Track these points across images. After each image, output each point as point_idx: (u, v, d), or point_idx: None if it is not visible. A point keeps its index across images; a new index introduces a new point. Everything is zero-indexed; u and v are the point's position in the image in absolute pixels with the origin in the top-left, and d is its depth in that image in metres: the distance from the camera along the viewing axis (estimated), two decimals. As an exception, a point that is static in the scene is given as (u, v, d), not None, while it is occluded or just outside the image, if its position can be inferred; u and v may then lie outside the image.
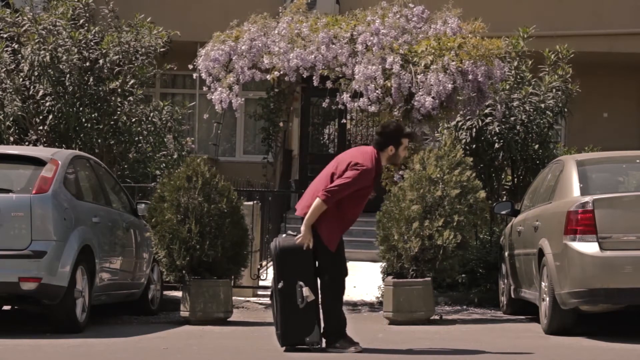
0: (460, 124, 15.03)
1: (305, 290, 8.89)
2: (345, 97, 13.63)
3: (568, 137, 22.12)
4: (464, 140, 14.86)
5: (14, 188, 10.41)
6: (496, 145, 14.99)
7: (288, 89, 20.86)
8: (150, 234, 12.06)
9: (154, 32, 15.71)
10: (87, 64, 15.24)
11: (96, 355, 9.00)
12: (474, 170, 12.47)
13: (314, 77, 13.73)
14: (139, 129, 15.67)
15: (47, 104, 15.08)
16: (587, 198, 10.08)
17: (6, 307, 11.89)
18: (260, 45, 13.92)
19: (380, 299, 13.09)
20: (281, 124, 21.31)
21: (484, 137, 15.00)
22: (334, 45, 13.69)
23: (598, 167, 11.12)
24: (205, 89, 14.29)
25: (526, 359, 8.90)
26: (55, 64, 14.93)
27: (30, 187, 10.35)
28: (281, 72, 13.86)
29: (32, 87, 15.15)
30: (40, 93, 15.06)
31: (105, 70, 15.31)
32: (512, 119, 15.01)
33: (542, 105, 15.22)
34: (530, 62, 15.48)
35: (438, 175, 12.12)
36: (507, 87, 15.11)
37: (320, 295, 9.00)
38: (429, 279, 11.90)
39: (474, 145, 14.96)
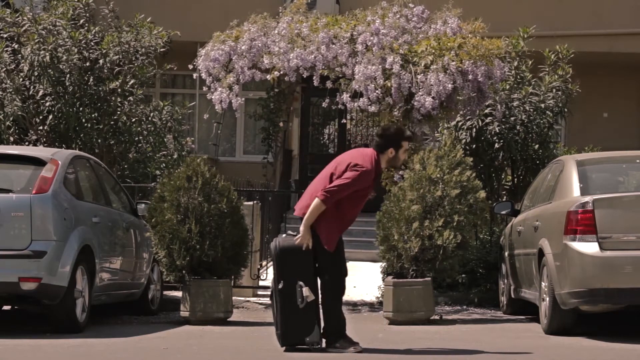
0: (460, 124, 15.02)
1: (305, 290, 8.89)
2: (345, 97, 13.62)
3: (568, 137, 22.11)
4: (464, 140, 14.85)
5: (14, 188, 10.40)
6: (496, 145, 14.99)
7: (288, 89, 20.84)
8: (150, 234, 12.06)
9: (154, 32, 15.70)
10: (87, 64, 15.23)
11: (96, 355, 9.00)
12: (474, 170, 12.46)
13: (314, 77, 13.72)
14: (139, 129, 15.66)
15: (47, 104, 15.08)
16: (587, 198, 10.08)
17: (6, 307, 11.88)
18: (260, 45, 13.92)
19: (380, 299, 13.08)
20: (281, 124, 21.29)
21: (484, 137, 14.99)
22: (334, 45, 13.68)
23: (598, 167, 11.11)
24: (205, 89, 14.28)
25: (526, 359, 8.90)
26: (55, 64, 14.92)
27: (30, 187, 10.34)
28: (281, 72, 13.85)
29: (32, 87, 15.14)
30: (40, 93, 15.06)
31: (105, 70, 15.30)
32: (512, 119, 15.01)
33: (542, 105, 15.21)
34: (530, 62, 15.47)
35: (438, 175, 12.12)
36: (507, 87, 15.10)
37: (320, 295, 9.00)
38: (429, 279, 11.90)
39: (474, 145, 14.96)
